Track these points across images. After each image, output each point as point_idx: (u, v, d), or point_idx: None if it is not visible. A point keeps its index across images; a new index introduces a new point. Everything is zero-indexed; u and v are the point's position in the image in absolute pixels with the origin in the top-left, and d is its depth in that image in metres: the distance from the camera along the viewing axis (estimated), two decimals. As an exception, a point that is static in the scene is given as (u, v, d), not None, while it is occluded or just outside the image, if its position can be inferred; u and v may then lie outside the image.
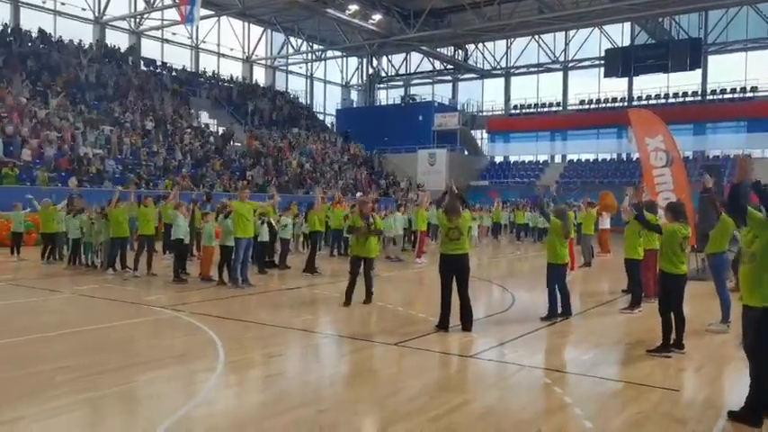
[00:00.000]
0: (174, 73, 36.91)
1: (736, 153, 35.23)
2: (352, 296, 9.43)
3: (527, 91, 44.53)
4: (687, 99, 38.82)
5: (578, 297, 10.58)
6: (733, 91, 37.79)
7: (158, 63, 36.91)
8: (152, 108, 31.10)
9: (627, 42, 39.97)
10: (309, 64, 47.59)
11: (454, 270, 7.73)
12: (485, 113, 46.22)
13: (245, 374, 6.11)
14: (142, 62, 35.92)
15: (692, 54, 36.17)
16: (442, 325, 7.73)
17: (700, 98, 38.57)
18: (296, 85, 47.00)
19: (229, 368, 6.13)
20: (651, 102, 38.89)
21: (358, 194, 27.34)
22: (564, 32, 41.61)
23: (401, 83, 50.15)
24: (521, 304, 10.08)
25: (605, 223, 17.34)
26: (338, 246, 16.59)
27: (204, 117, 35.12)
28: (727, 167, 30.61)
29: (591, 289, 12.08)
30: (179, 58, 38.86)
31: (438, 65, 47.37)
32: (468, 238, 7.96)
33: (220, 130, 34.13)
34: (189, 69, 38.86)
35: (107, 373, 5.78)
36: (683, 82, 38.36)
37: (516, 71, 45.28)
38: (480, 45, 45.29)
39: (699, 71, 37.52)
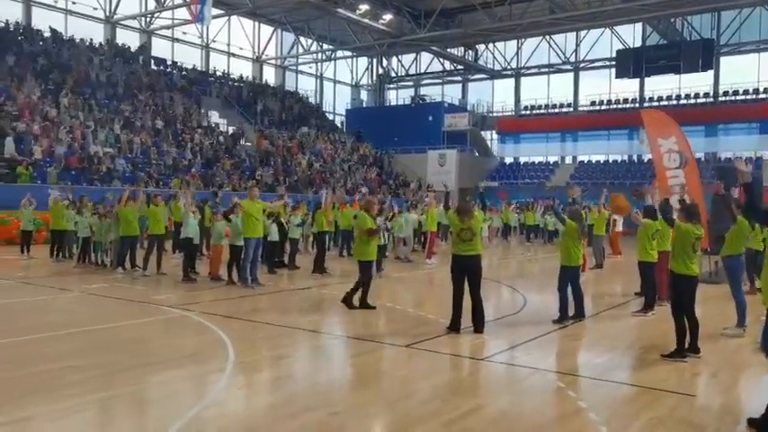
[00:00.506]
0: (184, 72, 37.01)
1: (746, 156, 34.95)
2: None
3: (537, 91, 44.34)
4: (699, 100, 38.49)
5: (590, 299, 10.45)
6: (745, 92, 37.46)
7: (168, 62, 36.99)
8: (162, 107, 31.18)
9: (638, 43, 39.71)
10: (319, 64, 47.59)
11: (466, 271, 7.66)
12: (495, 114, 46.05)
13: (256, 376, 6.06)
14: (152, 61, 36.00)
15: (704, 55, 35.86)
16: (454, 327, 7.66)
17: (712, 99, 38.25)
18: (306, 85, 47.07)
19: (240, 369, 6.09)
20: (663, 103, 38.59)
21: (363, 190, 27.33)
22: (575, 33, 41.39)
23: (411, 83, 50.05)
24: (532, 306, 10.00)
25: (618, 226, 17.19)
26: (347, 246, 16.53)
27: (214, 116, 35.19)
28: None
29: (603, 291, 11.98)
30: (189, 58, 39.03)
31: (448, 65, 47.22)
32: (479, 239, 7.88)
33: (230, 130, 34.17)
34: (199, 69, 38.95)
35: (117, 373, 5.75)
36: (695, 83, 38.06)
37: (527, 71, 45.08)
38: (491, 45, 45.13)
39: (711, 72, 37.18)
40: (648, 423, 4.78)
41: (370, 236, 9.24)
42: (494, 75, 46.34)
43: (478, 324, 7.65)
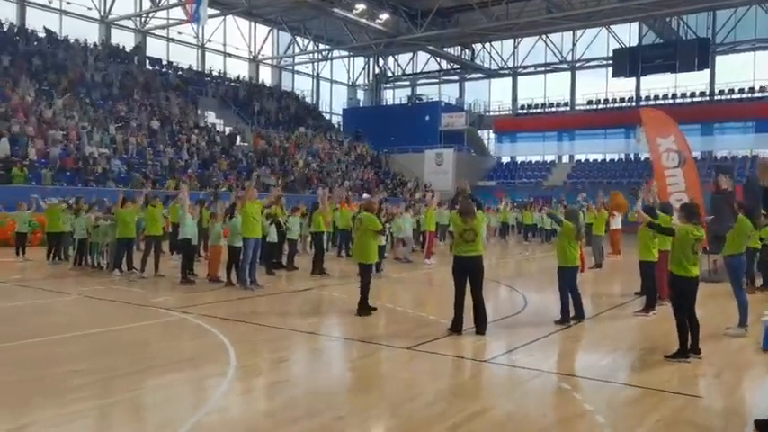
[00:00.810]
0: (179, 72, 36.90)
1: (750, 155, 34.99)
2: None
3: (534, 91, 44.38)
4: (695, 99, 38.60)
5: (590, 299, 10.42)
6: (741, 91, 37.56)
7: (164, 62, 36.89)
8: (158, 107, 31.07)
9: (635, 42, 39.77)
10: (316, 63, 47.53)
11: (468, 272, 7.62)
12: (492, 113, 46.06)
13: (257, 380, 5.99)
14: (148, 61, 35.89)
15: (699, 54, 35.95)
16: (455, 328, 7.61)
17: (708, 98, 38.35)
18: (302, 85, 46.99)
19: (241, 373, 6.03)
20: (659, 102, 38.68)
21: (365, 195, 27.29)
22: (571, 32, 41.45)
23: (408, 83, 50.03)
24: (532, 306, 9.97)
25: (616, 223, 17.17)
26: (346, 246, 16.48)
27: (211, 117, 35.07)
28: (736, 168, 30.38)
29: (603, 291, 11.94)
30: (185, 58, 38.88)
31: (445, 64, 47.24)
32: (481, 239, 7.83)
33: (227, 130, 34.07)
34: (195, 69, 38.82)
35: (118, 378, 5.69)
36: (691, 82, 38.14)
37: (523, 71, 45.11)
38: (487, 45, 45.14)
39: (707, 71, 37.28)
40: (656, 425, 4.75)
41: (380, 235, 9.20)
42: (490, 74, 46.35)
43: (480, 325, 7.61)
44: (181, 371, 6.06)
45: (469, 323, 7.67)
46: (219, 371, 5.98)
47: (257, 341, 7.33)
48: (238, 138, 33.40)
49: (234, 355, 6.49)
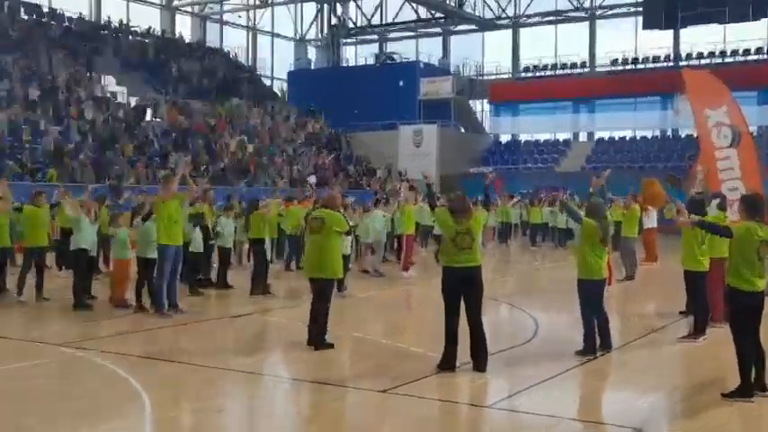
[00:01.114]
0: (66, 23, 36.42)
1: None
2: None
3: (542, 48, 44.87)
4: (749, 57, 39.37)
5: (620, 322, 10.62)
6: (810, 46, 38.47)
7: (45, 10, 36.40)
8: (38, 70, 30.59)
9: (672, -17, 40.51)
10: (252, 12, 47.29)
11: (463, 288, 7.64)
12: (486, 77, 46.40)
13: (182, 437, 5.96)
14: (23, 9, 35.39)
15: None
16: (447, 363, 7.63)
17: (765, 56, 39.13)
18: (234, 41, 46.78)
19: (160, 429, 5.99)
20: (703, 61, 39.34)
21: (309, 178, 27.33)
22: (590, -31, 42.11)
23: (375, 37, 50.15)
24: (545, 332, 10.11)
25: (651, 221, 17.41)
26: (296, 257, 16.42)
27: (111, 84, 34.72)
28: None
29: (637, 311, 12.18)
30: (74, 4, 38.39)
31: (424, 12, 47.31)
32: (479, 245, 7.88)
33: (132, 101, 33.77)
34: (88, 19, 38.35)
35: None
36: (745, 36, 38.92)
37: (527, 21, 45.56)
38: (480, -15, 45.52)
39: (765, 21, 38.05)
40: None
41: (346, 236, 9.25)
42: (484, 25, 46.65)
43: (480, 359, 7.63)
44: (75, 430, 5.97)
45: (465, 357, 7.70)
46: (129, 427, 5.93)
47: (180, 386, 7.30)
48: (148, 112, 33.17)
49: (149, 405, 6.44)
